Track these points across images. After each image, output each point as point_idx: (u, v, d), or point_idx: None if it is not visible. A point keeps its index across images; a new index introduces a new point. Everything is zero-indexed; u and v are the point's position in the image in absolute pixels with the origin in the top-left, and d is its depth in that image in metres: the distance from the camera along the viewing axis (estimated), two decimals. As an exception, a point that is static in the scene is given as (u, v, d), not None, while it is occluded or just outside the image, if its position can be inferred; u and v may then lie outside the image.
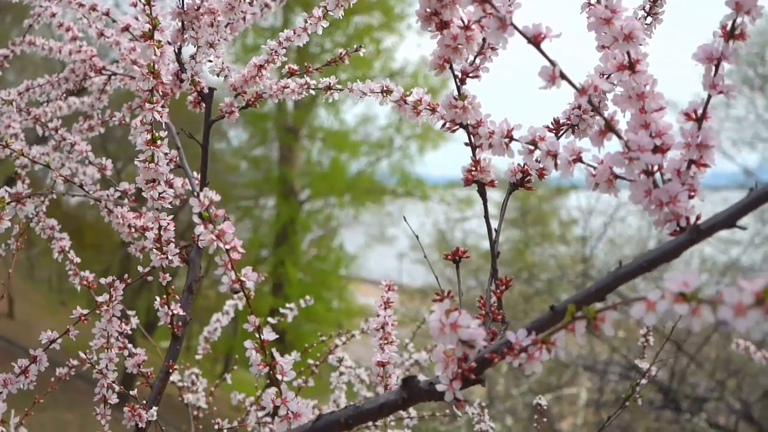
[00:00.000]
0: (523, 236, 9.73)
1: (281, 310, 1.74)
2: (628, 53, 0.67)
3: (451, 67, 0.77)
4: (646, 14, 0.92)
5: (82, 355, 1.11)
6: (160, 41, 0.95)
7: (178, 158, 1.22)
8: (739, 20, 0.64)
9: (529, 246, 9.49)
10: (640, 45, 0.69)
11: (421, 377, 0.72)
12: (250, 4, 1.18)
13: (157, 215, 1.00)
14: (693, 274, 0.48)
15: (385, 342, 1.08)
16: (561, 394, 7.24)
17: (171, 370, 1.15)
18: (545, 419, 1.42)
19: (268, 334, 0.79)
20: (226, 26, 1.16)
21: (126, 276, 1.09)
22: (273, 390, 0.79)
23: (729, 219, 0.59)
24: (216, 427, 1.46)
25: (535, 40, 0.64)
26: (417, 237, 0.94)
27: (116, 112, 1.49)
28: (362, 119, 10.94)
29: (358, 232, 11.30)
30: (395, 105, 0.94)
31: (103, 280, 1.05)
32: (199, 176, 1.24)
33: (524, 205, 9.75)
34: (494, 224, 0.84)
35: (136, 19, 1.06)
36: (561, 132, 0.86)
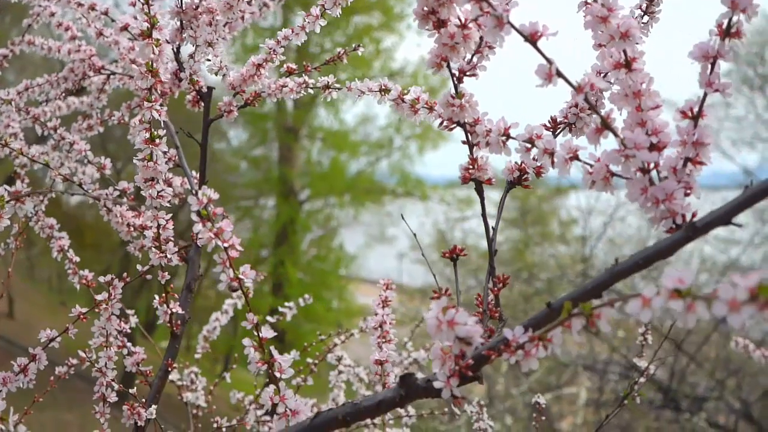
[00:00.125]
0: (523, 236, 9.74)
1: (280, 309, 1.75)
2: (625, 51, 0.68)
3: (448, 66, 0.77)
4: (642, 13, 0.92)
5: (81, 354, 1.12)
6: (158, 40, 0.95)
7: (176, 157, 1.22)
8: (735, 18, 0.64)
9: (528, 246, 9.50)
10: (637, 43, 0.69)
11: (420, 376, 0.72)
12: (249, 3, 1.18)
13: (155, 214, 1.01)
14: (688, 270, 0.48)
15: (383, 340, 1.09)
16: (561, 393, 7.24)
17: (170, 369, 1.16)
18: (543, 417, 1.42)
19: (267, 332, 0.79)
20: (224, 25, 1.16)
21: (125, 274, 1.09)
22: (271, 388, 0.79)
23: (725, 216, 0.59)
24: (215, 425, 1.46)
25: (531, 38, 0.64)
26: (415, 235, 0.94)
27: (115, 111, 1.49)
28: (362, 119, 10.96)
29: (357, 232, 11.31)
30: (393, 104, 0.94)
31: (101, 279, 1.06)
32: (198, 175, 1.24)
33: (524, 205, 9.75)
34: (492, 223, 0.84)
35: (135, 18, 1.06)
36: (558, 130, 0.86)
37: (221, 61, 1.18)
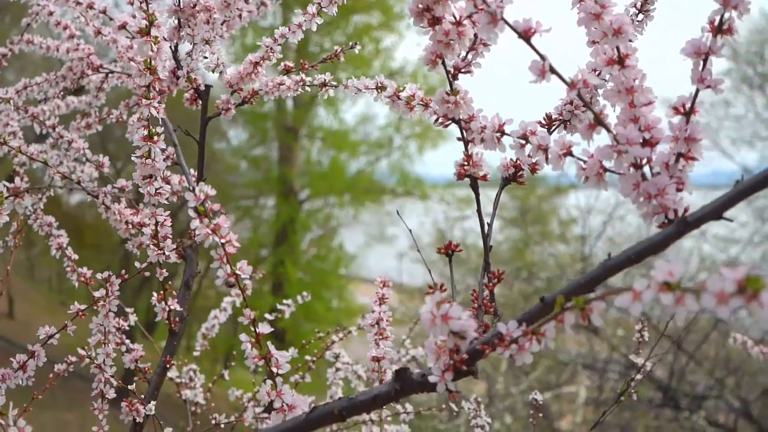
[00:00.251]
0: (523, 235, 9.74)
1: (279, 306, 1.75)
2: (618, 48, 0.68)
3: (443, 63, 0.77)
4: (637, 11, 0.93)
5: (81, 351, 1.12)
6: (156, 37, 0.95)
7: (175, 155, 1.22)
8: (726, 15, 0.65)
9: (528, 245, 9.50)
10: (630, 40, 0.70)
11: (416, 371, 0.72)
12: (246, 2, 1.19)
13: (153, 211, 1.01)
14: (677, 263, 0.49)
15: (380, 337, 1.09)
16: (560, 392, 7.25)
17: (168, 366, 1.16)
18: (541, 414, 1.43)
19: (264, 328, 0.79)
20: (222, 24, 1.17)
21: (123, 271, 1.10)
22: (268, 383, 0.80)
23: (716, 211, 0.60)
24: (213, 422, 1.47)
25: (525, 34, 0.65)
26: (410, 231, 0.94)
27: (114, 110, 1.50)
28: (362, 119, 10.97)
29: (357, 231, 11.31)
30: (389, 101, 0.95)
31: (99, 276, 1.06)
32: (196, 173, 1.25)
33: (524, 205, 9.76)
34: (487, 219, 0.84)
35: (133, 17, 1.06)
36: (553, 127, 0.86)
37: (218, 59, 1.19)
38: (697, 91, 0.66)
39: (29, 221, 1.29)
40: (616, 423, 6.38)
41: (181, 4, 1.13)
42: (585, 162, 0.70)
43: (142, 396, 1.11)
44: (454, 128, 0.84)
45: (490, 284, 0.79)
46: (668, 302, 0.49)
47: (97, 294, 1.05)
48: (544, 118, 0.87)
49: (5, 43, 1.51)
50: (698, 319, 6.23)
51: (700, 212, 0.61)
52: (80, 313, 1.07)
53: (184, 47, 1.19)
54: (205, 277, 7.90)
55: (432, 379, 0.66)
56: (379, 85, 1.00)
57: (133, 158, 0.98)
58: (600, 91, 0.81)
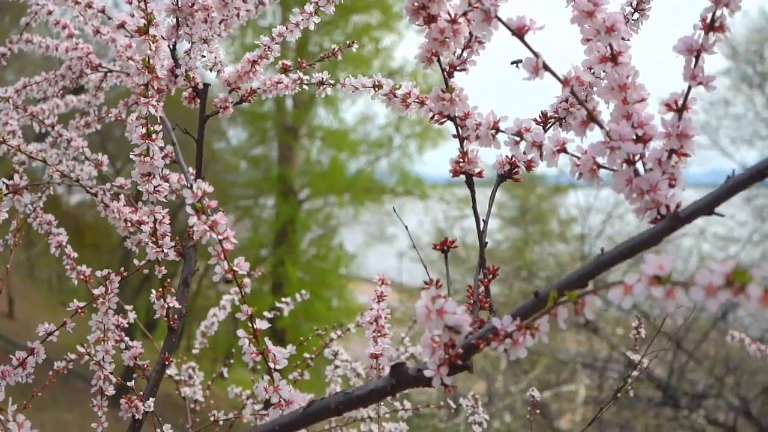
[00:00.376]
0: (523, 235, 9.76)
1: (277, 305, 1.76)
2: (611, 45, 0.69)
3: (439, 61, 0.78)
4: (633, 10, 0.94)
5: (80, 348, 1.13)
6: (155, 36, 0.96)
7: (173, 154, 1.23)
8: (718, 13, 0.66)
9: (528, 244, 9.51)
10: (623, 38, 0.71)
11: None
12: (244, 1, 1.19)
13: (152, 209, 1.02)
14: (667, 257, 0.50)
15: (379, 334, 1.10)
16: (560, 391, 7.25)
17: (167, 363, 1.17)
18: (538, 411, 1.43)
19: (261, 323, 0.80)
20: (220, 23, 1.17)
21: (122, 269, 1.10)
22: (266, 378, 0.81)
23: (707, 206, 0.61)
24: (212, 419, 1.48)
25: (519, 32, 0.65)
26: (407, 227, 0.95)
27: (113, 108, 1.51)
28: (361, 118, 10.98)
29: (357, 231, 11.32)
30: (385, 98, 0.96)
31: (99, 273, 1.07)
32: (195, 171, 1.25)
33: (523, 204, 9.78)
34: (483, 216, 0.85)
35: (132, 16, 1.07)
36: (549, 125, 0.87)
37: (216, 58, 1.20)
38: (690, 88, 0.67)
39: (29, 220, 1.29)
40: (616, 422, 6.39)
41: (180, 3, 1.13)
42: (579, 158, 0.71)
43: (141, 393, 1.12)
44: (453, 128, 0.85)
45: (486, 280, 0.80)
46: (659, 295, 0.49)
47: (96, 291, 1.06)
48: (539, 116, 0.87)
49: (5, 42, 1.52)
50: (698, 318, 6.24)
51: (691, 207, 0.61)
52: (79, 310, 1.07)
53: (183, 46, 1.20)
54: (204, 277, 7.91)
55: (427, 373, 0.67)
56: (376, 83, 1.01)
57: (131, 156, 0.99)
58: (595, 89, 0.82)
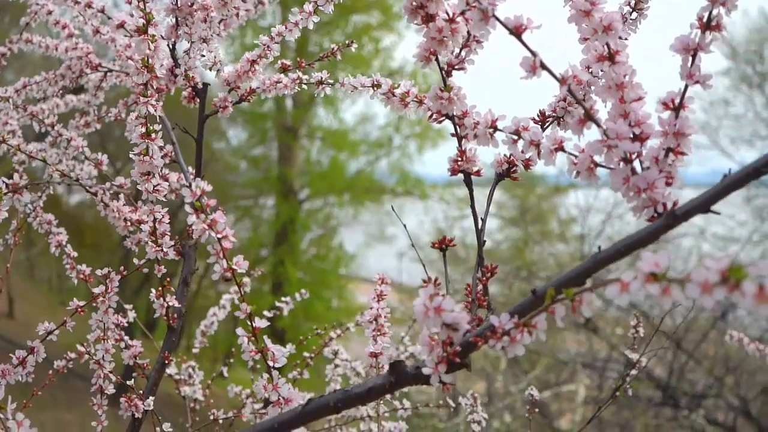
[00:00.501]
0: (523, 235, 9.77)
1: (277, 304, 1.76)
2: (608, 44, 0.69)
3: (437, 60, 0.78)
4: (631, 9, 0.94)
5: (80, 347, 1.13)
6: (153, 36, 0.96)
7: (173, 153, 1.23)
8: (715, 12, 0.66)
9: (528, 244, 9.52)
10: (621, 37, 0.71)
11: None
12: (243, 0, 1.20)
13: (151, 208, 1.02)
14: (663, 254, 0.50)
15: (378, 333, 1.10)
16: (560, 391, 7.26)
17: (167, 362, 1.17)
18: (537, 409, 1.44)
19: (260, 322, 0.80)
20: (219, 22, 1.17)
21: (122, 267, 1.11)
22: (265, 377, 0.81)
23: (703, 204, 0.61)
24: (212, 417, 1.48)
25: (516, 31, 0.66)
26: (405, 225, 0.95)
27: (112, 108, 1.51)
28: (361, 118, 10.98)
29: (357, 231, 11.32)
30: (384, 98, 0.96)
31: (99, 272, 1.07)
32: (194, 171, 1.26)
33: (523, 204, 9.79)
34: (481, 214, 0.85)
35: (131, 15, 1.07)
36: (547, 124, 0.87)
37: (215, 57, 1.20)
38: (686, 86, 0.67)
39: (29, 219, 1.30)
40: (616, 422, 6.39)
41: (179, 2, 1.14)
42: (576, 157, 0.71)
43: (141, 392, 1.12)
44: (452, 127, 0.85)
45: (484, 278, 0.80)
46: (655, 292, 0.50)
47: (96, 290, 1.06)
48: (537, 115, 0.88)
49: (4, 42, 1.53)
50: (697, 318, 6.24)
51: (688, 206, 0.61)
52: (79, 309, 1.08)
53: (182, 46, 1.20)
54: (204, 277, 7.91)
55: (425, 371, 0.67)
56: (375, 82, 1.01)
57: (131, 155, 0.99)
58: (593, 88, 0.82)
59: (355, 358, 1.80)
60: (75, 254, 1.23)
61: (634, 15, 0.94)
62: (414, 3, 0.74)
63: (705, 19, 0.66)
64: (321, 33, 9.70)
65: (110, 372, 1.11)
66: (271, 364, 0.80)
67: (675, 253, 7.34)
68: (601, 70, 0.71)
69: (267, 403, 0.82)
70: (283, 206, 10.36)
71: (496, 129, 0.78)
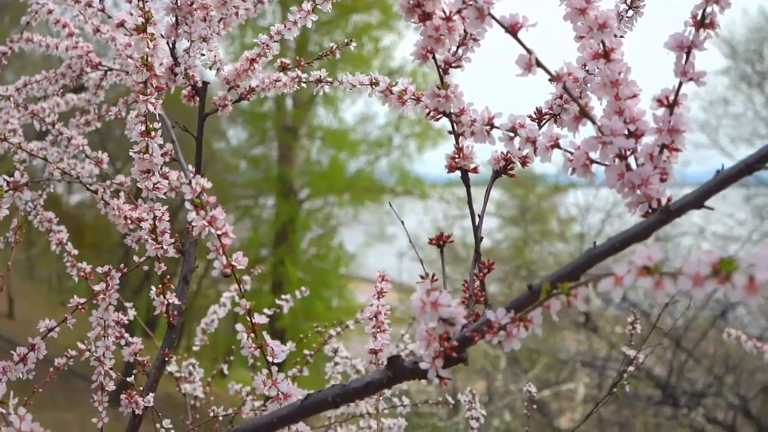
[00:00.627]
0: (523, 234, 9.78)
1: (277, 302, 1.77)
2: (603, 42, 0.70)
3: (434, 58, 0.79)
4: (627, 7, 0.95)
5: (80, 345, 1.13)
6: (153, 34, 0.97)
7: (173, 151, 1.24)
8: (708, 9, 0.67)
9: (528, 243, 9.53)
10: (616, 35, 0.72)
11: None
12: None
13: (151, 205, 1.03)
14: (656, 247, 0.51)
15: (378, 330, 1.11)
16: (559, 389, 7.27)
17: (167, 359, 1.18)
18: (535, 406, 1.44)
19: (260, 318, 0.81)
20: (219, 21, 1.18)
21: (122, 266, 1.11)
22: (264, 372, 0.82)
23: (697, 200, 0.62)
24: (212, 414, 1.49)
25: (512, 29, 0.66)
26: (403, 222, 0.96)
27: (113, 107, 1.52)
28: (361, 118, 10.99)
29: (357, 230, 11.33)
30: (382, 95, 0.97)
31: (99, 270, 1.08)
32: (194, 169, 1.26)
33: (523, 203, 9.80)
34: (478, 211, 0.86)
35: (131, 14, 1.08)
36: (543, 121, 0.88)
37: (215, 56, 1.21)
38: (680, 83, 0.68)
39: (29, 217, 1.30)
40: (616, 420, 6.40)
41: (179, 1, 1.14)
42: (572, 153, 0.72)
43: (141, 388, 1.13)
44: (441, 118, 0.86)
45: (481, 274, 0.81)
46: (647, 286, 0.50)
47: (96, 288, 1.07)
48: (534, 113, 0.88)
49: (5, 41, 1.53)
50: (697, 316, 6.25)
51: (681, 201, 0.62)
52: (80, 306, 1.08)
53: (182, 45, 1.21)
54: (204, 277, 7.92)
55: (423, 365, 0.68)
56: (373, 80, 1.02)
57: (131, 153, 1.00)
58: (589, 85, 0.83)
59: (354, 356, 1.81)
60: (75, 252, 1.23)
61: (630, 13, 0.94)
62: (411, 1, 0.75)
63: (699, 17, 0.67)
64: (321, 32, 9.70)
65: (110, 369, 1.11)
66: (270, 359, 0.80)
67: (675, 252, 7.34)
68: (597, 68, 0.72)
69: (267, 400, 0.83)
70: (283, 206, 10.37)
71: (492, 126, 0.79)
